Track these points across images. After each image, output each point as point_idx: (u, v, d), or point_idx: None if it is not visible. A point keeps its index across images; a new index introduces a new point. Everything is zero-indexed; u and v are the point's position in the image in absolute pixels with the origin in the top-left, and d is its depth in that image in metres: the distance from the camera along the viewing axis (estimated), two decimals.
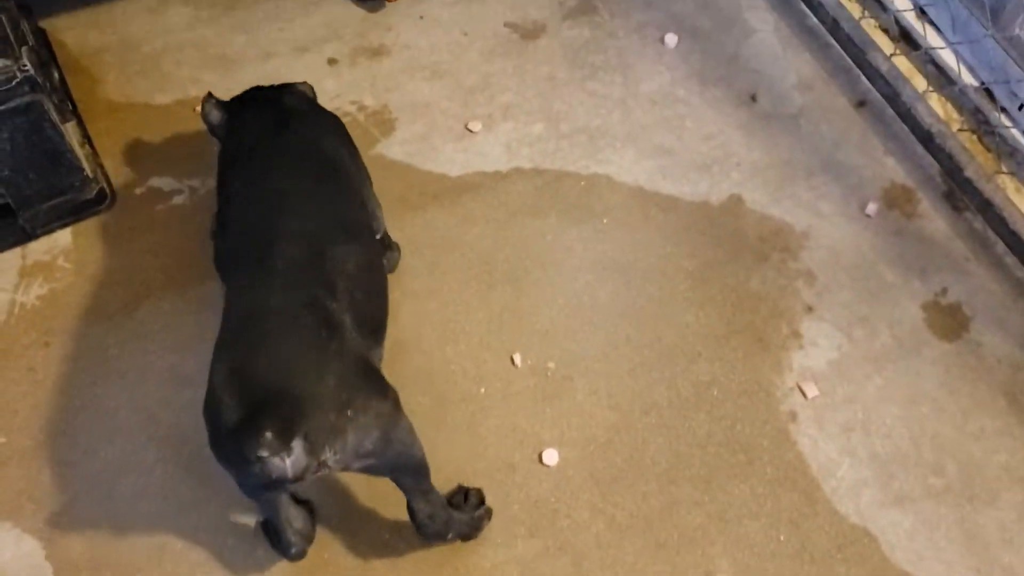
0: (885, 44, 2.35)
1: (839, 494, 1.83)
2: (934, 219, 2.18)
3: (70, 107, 2.13)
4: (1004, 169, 2.19)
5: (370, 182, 1.93)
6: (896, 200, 2.20)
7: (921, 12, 2.37)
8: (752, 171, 2.23)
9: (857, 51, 2.29)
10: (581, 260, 2.08)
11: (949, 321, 2.04)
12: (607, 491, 1.81)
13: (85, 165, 2.01)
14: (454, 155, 2.21)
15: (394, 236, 2.09)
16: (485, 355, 1.96)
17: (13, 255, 2.03)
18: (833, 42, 2.40)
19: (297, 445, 1.36)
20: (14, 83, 1.81)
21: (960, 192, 2.15)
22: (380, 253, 1.77)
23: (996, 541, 1.81)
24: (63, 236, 2.05)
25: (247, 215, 1.67)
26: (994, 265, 2.12)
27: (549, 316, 2.01)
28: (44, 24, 2.34)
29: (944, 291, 2.08)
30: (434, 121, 2.26)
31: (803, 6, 2.46)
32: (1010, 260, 2.11)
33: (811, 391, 1.93)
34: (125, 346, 1.92)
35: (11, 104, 1.83)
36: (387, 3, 2.43)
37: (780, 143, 2.27)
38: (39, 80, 1.84)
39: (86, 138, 2.09)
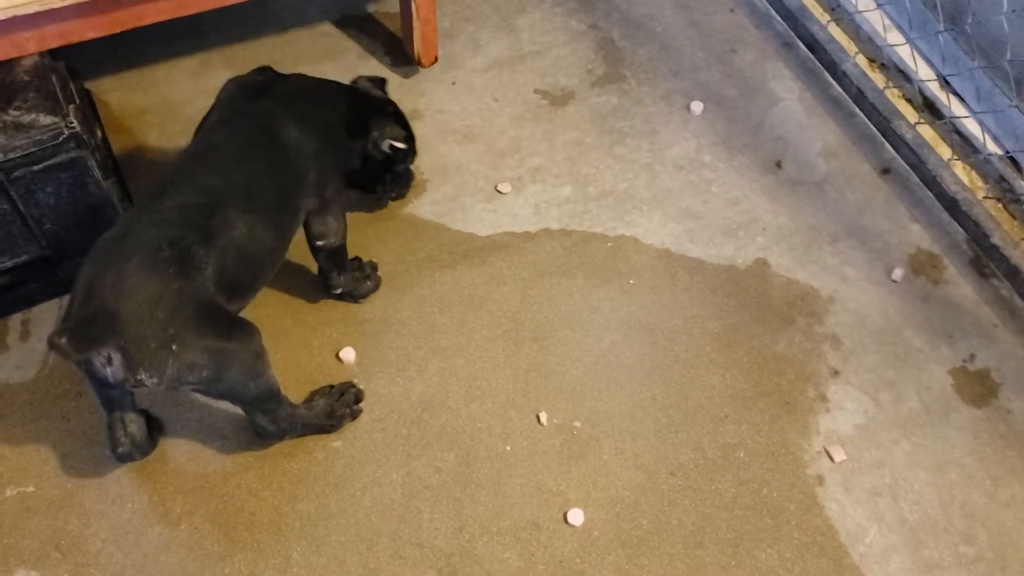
0: (909, 113, 2.39)
1: (868, 561, 1.80)
2: (961, 285, 2.18)
3: (112, 164, 2.19)
4: None
5: (332, 192, 1.95)
6: (922, 266, 2.21)
7: (945, 82, 2.41)
8: (778, 236, 2.25)
9: (882, 120, 2.33)
10: (607, 320, 2.09)
11: (978, 387, 2.03)
12: (633, 553, 1.80)
13: None
14: (483, 216, 2.25)
15: (422, 293, 2.12)
16: (511, 413, 1.96)
17: (51, 306, 2.07)
18: (858, 111, 2.43)
19: (116, 357, 1.56)
20: (60, 139, 1.87)
21: (987, 259, 2.16)
22: (282, 239, 1.83)
23: None
24: None
25: (179, 162, 1.81)
26: (1022, 332, 2.12)
27: (575, 375, 2.01)
28: (90, 86, 2.42)
29: (972, 357, 2.08)
30: (464, 183, 2.30)
31: (828, 76, 2.51)
32: None
33: (838, 455, 1.92)
34: (155, 396, 1.94)
35: (57, 159, 1.89)
36: (421, 69, 2.50)
37: (805, 209, 2.30)
38: (84, 137, 1.90)
39: (126, 194, 2.15)
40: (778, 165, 2.38)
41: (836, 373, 2.04)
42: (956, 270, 2.21)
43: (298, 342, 2.02)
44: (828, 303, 2.15)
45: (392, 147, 2.04)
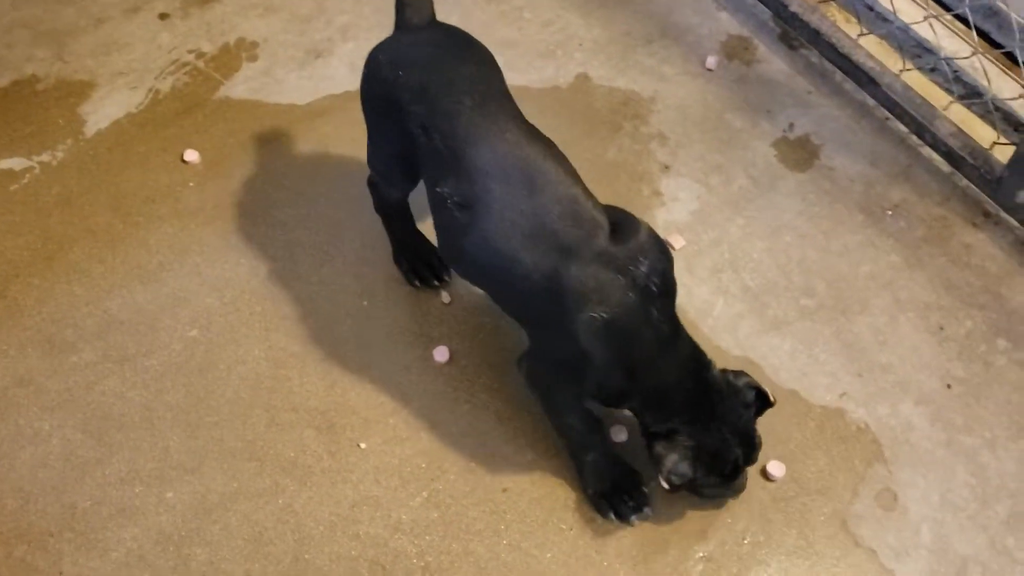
0: None
1: (718, 330, 1.90)
2: (773, 61, 2.25)
3: None
4: None
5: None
6: (734, 50, 2.27)
7: None
8: (594, 48, 2.28)
9: None
10: None
11: (800, 153, 2.12)
12: (500, 372, 1.86)
13: None
14: (300, 84, 2.21)
15: (251, 172, 2.09)
16: (364, 269, 1.98)
17: None
18: None
19: None
20: None
21: (791, 29, 2.22)
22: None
23: (872, 345, 1.91)
24: None
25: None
26: (835, 93, 2.20)
27: (421, 221, 2.04)
28: None
29: (791, 126, 2.16)
30: (274, 55, 2.26)
31: None
32: (849, 85, 2.19)
33: (678, 242, 2.00)
34: (2, 326, 1.91)
35: None
36: None
37: (617, 17, 2.32)
38: None
39: None
40: None
41: (666, 168, 2.10)
42: (767, 48, 2.27)
43: (133, 244, 2.00)
44: (650, 103, 2.19)
45: (665, 477, 1.61)
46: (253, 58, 2.25)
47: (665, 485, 1.62)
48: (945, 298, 1.95)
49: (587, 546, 1.71)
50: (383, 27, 2.28)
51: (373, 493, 1.75)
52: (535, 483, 1.77)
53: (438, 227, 1.69)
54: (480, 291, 1.93)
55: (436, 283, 1.95)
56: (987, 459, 1.79)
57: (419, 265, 1.96)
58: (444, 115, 1.61)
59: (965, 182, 2.05)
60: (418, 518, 1.73)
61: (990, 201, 2.02)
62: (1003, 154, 1.96)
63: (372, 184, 1.90)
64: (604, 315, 1.52)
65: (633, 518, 1.73)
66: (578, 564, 1.70)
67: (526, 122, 1.67)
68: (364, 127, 2.13)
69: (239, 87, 2.21)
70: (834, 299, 1.95)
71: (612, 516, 1.73)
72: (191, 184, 2.08)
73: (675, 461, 1.59)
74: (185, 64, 2.24)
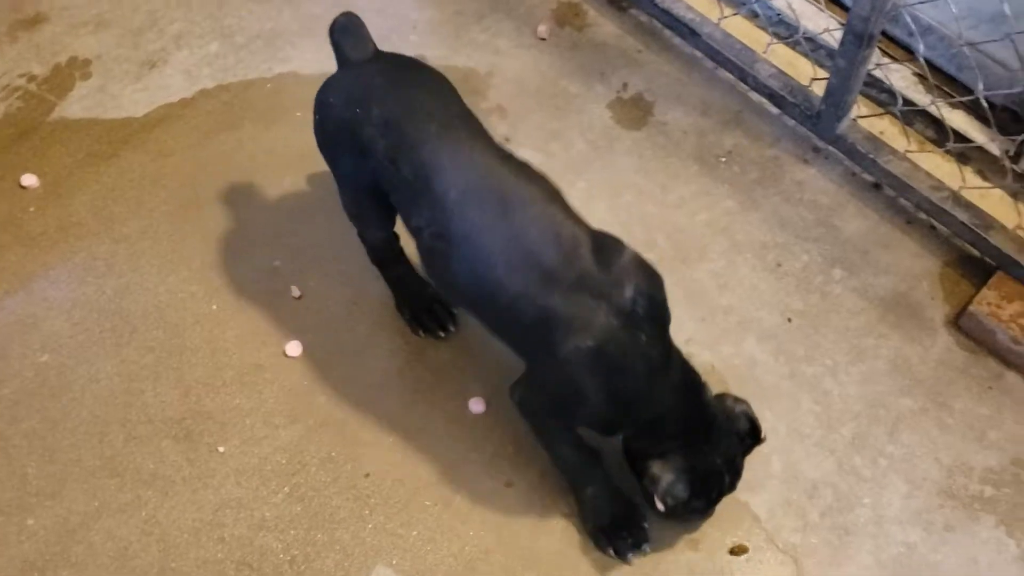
0: None
1: None
2: (603, 25, 2.29)
3: None
4: None
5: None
6: (565, 17, 2.30)
7: None
8: (429, 30, 2.29)
9: None
10: (283, 159, 2.11)
11: (634, 111, 2.16)
12: (353, 359, 1.88)
13: None
14: (136, 96, 2.20)
15: (92, 190, 2.07)
16: (211, 274, 1.98)
17: None
18: None
19: None
20: None
21: None
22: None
23: (712, 289, 1.96)
24: None
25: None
26: (664, 49, 2.24)
27: (265, 218, 2.04)
28: None
29: (625, 86, 2.20)
30: (108, 71, 2.24)
31: None
32: (677, 41, 2.23)
33: None
34: None
35: None
36: None
37: None
38: None
39: None
40: None
41: (507, 140, 2.13)
42: (596, 12, 2.30)
43: None
44: (488, 78, 2.22)
45: (661, 498, 1.57)
46: (86, 76, 2.23)
47: (660, 507, 1.58)
48: (781, 235, 2.00)
49: (452, 519, 1.75)
50: (216, 33, 2.30)
51: (235, 495, 1.77)
52: (397, 465, 1.80)
53: (422, 259, 1.66)
54: (339, 285, 1.95)
55: (441, 334, 1.89)
56: (830, 385, 1.86)
57: (422, 314, 1.90)
58: (410, 145, 1.57)
59: (793, 121, 2.10)
60: (282, 514, 1.75)
61: (817, 137, 2.07)
62: (822, 89, 2.02)
63: (359, 234, 1.85)
64: (589, 344, 1.48)
65: (630, 556, 1.69)
66: (444, 537, 1.73)
67: (495, 143, 1.65)
68: (201, 131, 2.16)
69: (74, 106, 2.19)
70: (674, 249, 2.00)
71: (611, 552, 1.70)
72: (31, 209, 2.06)
73: (671, 482, 1.55)
74: (17, 89, 2.21)
